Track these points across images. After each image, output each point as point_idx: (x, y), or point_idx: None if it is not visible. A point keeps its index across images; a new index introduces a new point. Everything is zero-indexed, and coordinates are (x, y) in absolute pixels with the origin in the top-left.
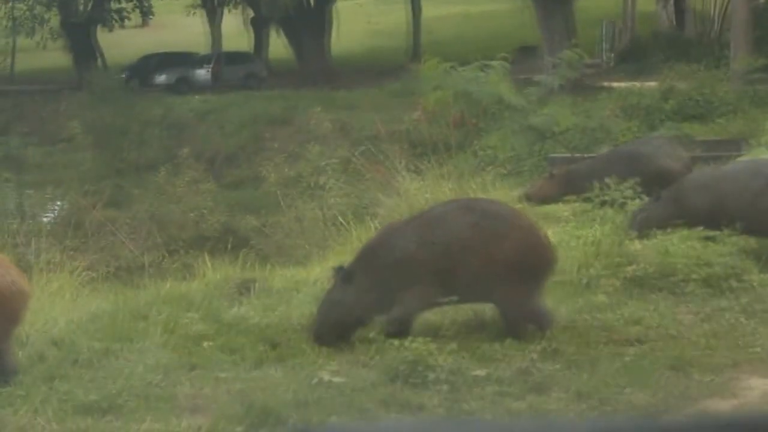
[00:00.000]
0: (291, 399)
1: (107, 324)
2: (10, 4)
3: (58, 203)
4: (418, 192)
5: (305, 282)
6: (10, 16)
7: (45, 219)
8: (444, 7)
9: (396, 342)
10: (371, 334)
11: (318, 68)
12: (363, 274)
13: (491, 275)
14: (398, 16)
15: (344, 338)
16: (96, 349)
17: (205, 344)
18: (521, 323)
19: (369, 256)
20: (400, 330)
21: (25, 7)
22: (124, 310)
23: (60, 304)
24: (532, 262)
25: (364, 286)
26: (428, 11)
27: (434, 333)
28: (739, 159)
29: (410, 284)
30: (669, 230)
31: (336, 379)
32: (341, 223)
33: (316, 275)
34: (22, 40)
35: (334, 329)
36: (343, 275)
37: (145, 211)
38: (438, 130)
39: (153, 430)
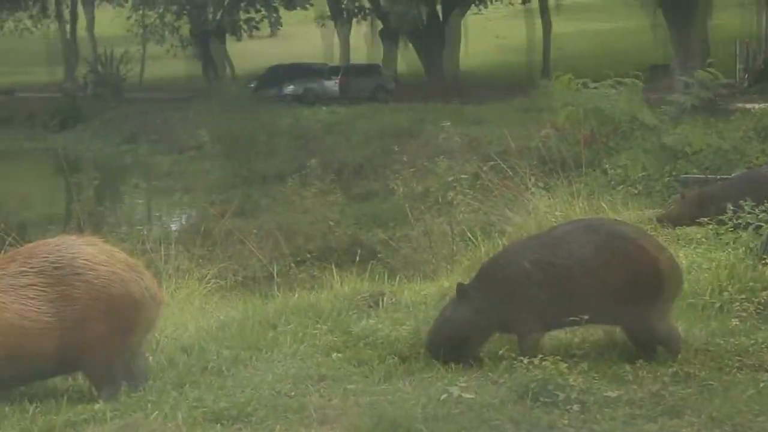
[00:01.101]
0: (420, 413)
1: (237, 332)
2: (141, 12)
3: (187, 211)
4: (547, 210)
5: (433, 296)
6: (141, 24)
7: (173, 226)
8: (574, 23)
9: (526, 360)
10: (501, 351)
11: (446, 82)
12: (479, 291)
13: (616, 298)
14: (526, 32)
15: (462, 355)
16: (226, 357)
17: (334, 356)
18: (650, 346)
19: (486, 273)
20: (533, 350)
21: (155, 15)
22: (253, 319)
23: (189, 311)
24: (660, 285)
25: (479, 304)
26: (558, 27)
27: (564, 352)
28: None
29: (526, 304)
30: None
31: (466, 395)
32: (469, 239)
33: (444, 290)
34: (152, 48)
35: (446, 345)
36: (460, 292)
37: (273, 221)
38: (568, 147)
39: None
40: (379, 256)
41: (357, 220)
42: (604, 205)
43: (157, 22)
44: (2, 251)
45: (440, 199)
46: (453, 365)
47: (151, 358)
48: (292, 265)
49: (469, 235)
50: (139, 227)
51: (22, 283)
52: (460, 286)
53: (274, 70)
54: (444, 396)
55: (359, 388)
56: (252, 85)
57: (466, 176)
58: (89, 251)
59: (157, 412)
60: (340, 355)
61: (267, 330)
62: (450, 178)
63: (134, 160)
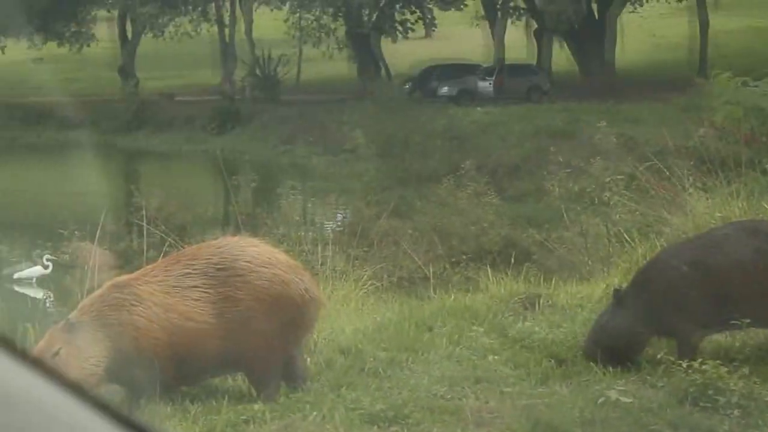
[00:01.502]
0: (577, 417)
1: (393, 334)
2: (298, 14)
3: (343, 212)
4: (706, 211)
5: (590, 298)
6: (298, 26)
7: (330, 227)
8: (732, 20)
9: (685, 364)
10: (659, 355)
11: (601, 81)
12: (636, 296)
13: None
14: (683, 30)
15: (621, 360)
16: (382, 359)
17: (491, 358)
18: None
19: (643, 277)
20: (691, 353)
21: (312, 18)
22: (409, 321)
23: (346, 313)
24: None
25: (636, 309)
26: (716, 24)
27: (724, 356)
28: None
29: (685, 308)
30: None
31: (623, 399)
32: (626, 240)
33: (601, 292)
34: (308, 50)
35: (604, 350)
36: (616, 297)
37: (428, 222)
38: (727, 146)
39: None
40: (534, 257)
41: (512, 221)
42: (765, 206)
43: (313, 24)
44: (163, 253)
45: (596, 200)
46: (611, 368)
47: (309, 359)
48: (447, 266)
49: (626, 236)
50: (296, 228)
51: (186, 284)
52: (616, 291)
53: (429, 70)
54: (601, 399)
55: (516, 391)
56: (407, 86)
57: (622, 176)
58: (251, 253)
59: (315, 413)
60: (496, 357)
61: (423, 332)
62: (606, 179)
63: (291, 162)
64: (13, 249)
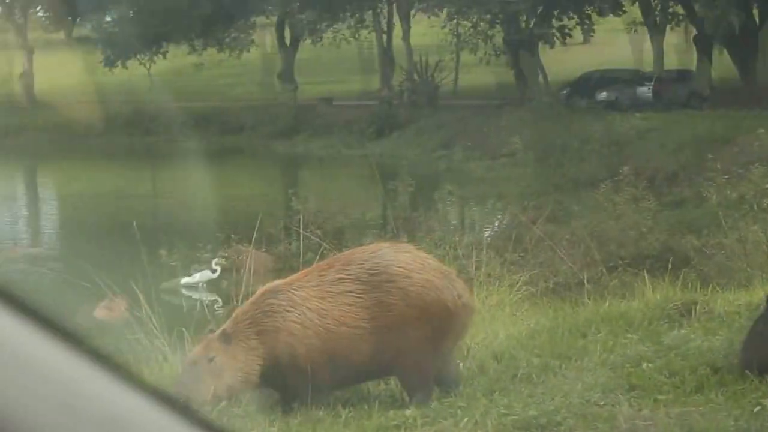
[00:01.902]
0: (732, 426)
1: (546, 340)
2: (455, 20)
3: (499, 217)
4: None
5: (748, 306)
6: (455, 33)
7: (486, 232)
8: None
9: None
10: None
11: (763, 88)
12: None
13: None
14: None
15: None
16: (535, 365)
17: (645, 365)
18: None
19: None
20: None
21: (469, 25)
22: (563, 327)
23: (500, 318)
24: None
25: None
26: None
27: None
28: None
29: None
30: None
31: None
32: None
33: (759, 300)
34: (465, 56)
35: (761, 359)
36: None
37: (584, 228)
38: None
39: None
40: (692, 263)
41: (670, 226)
42: None
43: (470, 31)
44: (318, 257)
45: (755, 207)
46: (767, 377)
47: (461, 364)
48: (604, 271)
49: None
50: (452, 233)
51: (340, 290)
52: None
53: (587, 76)
54: (757, 409)
55: (670, 399)
56: (564, 92)
57: None
58: (404, 259)
59: (467, 419)
60: (650, 365)
61: (577, 338)
62: (766, 185)
63: (448, 167)
64: (173, 253)
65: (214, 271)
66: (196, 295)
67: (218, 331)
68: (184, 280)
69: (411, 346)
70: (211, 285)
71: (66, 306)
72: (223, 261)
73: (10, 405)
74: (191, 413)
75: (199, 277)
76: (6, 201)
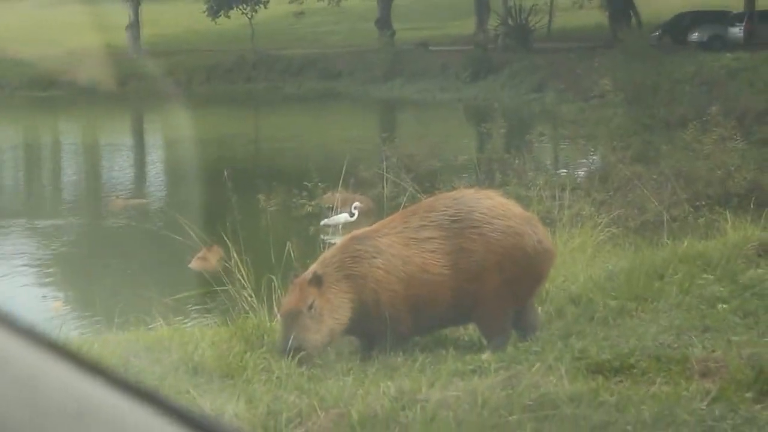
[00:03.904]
0: None
1: (624, 282)
2: None
3: (589, 158)
4: None
5: None
6: None
7: (576, 173)
8: None
9: None
10: None
11: None
12: None
13: None
14: None
15: None
16: (612, 307)
17: (720, 306)
18: None
19: None
20: None
21: None
22: (641, 269)
23: (581, 261)
24: None
25: None
26: None
27: None
28: None
29: None
30: None
31: None
32: None
33: None
34: (559, 0)
35: None
36: None
37: (671, 168)
38: None
39: (662, 393)
40: None
41: (757, 165)
42: None
43: None
44: (407, 201)
45: None
46: None
47: (540, 308)
48: (690, 210)
49: None
50: (542, 175)
51: (423, 236)
52: None
53: (679, 18)
54: None
55: (743, 340)
56: (656, 34)
57: None
58: (486, 205)
59: (540, 363)
60: (725, 305)
61: (654, 279)
62: None
63: (541, 109)
64: (271, 198)
65: (352, 215)
66: (334, 239)
67: (307, 274)
68: (323, 221)
69: (491, 292)
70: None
71: (164, 257)
72: (361, 204)
73: None
74: (161, 402)
75: (335, 219)
76: (112, 149)
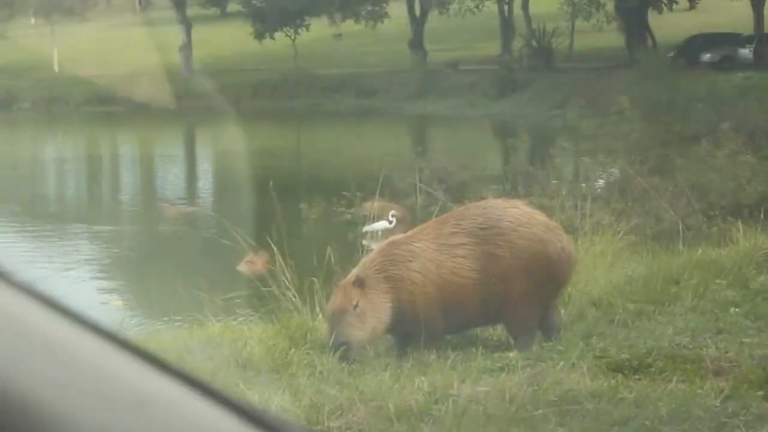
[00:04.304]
0: None
1: (642, 286)
2: None
3: (608, 170)
4: None
5: None
6: (571, 2)
7: (595, 184)
8: None
9: None
10: None
11: None
12: None
13: None
14: None
15: None
16: (630, 310)
17: (732, 310)
18: None
19: None
20: None
21: None
22: (658, 274)
23: (601, 266)
24: None
25: None
26: None
27: None
28: None
29: None
30: None
31: None
32: None
33: None
34: (579, 23)
35: None
36: None
37: (686, 180)
38: None
39: (678, 390)
40: None
41: (767, 178)
42: None
43: (584, 0)
44: (437, 212)
45: None
46: None
47: (563, 311)
48: (703, 220)
49: None
50: (564, 186)
51: (454, 242)
52: None
53: (693, 39)
54: None
55: (754, 342)
56: (671, 55)
57: None
58: (512, 214)
59: (563, 361)
60: (737, 309)
61: (670, 285)
62: None
63: (562, 125)
64: (313, 207)
65: (390, 222)
66: (373, 244)
67: (350, 277)
68: (365, 228)
69: (517, 294)
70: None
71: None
72: (397, 213)
73: (40, 391)
74: (216, 394)
75: (377, 226)
76: (166, 160)
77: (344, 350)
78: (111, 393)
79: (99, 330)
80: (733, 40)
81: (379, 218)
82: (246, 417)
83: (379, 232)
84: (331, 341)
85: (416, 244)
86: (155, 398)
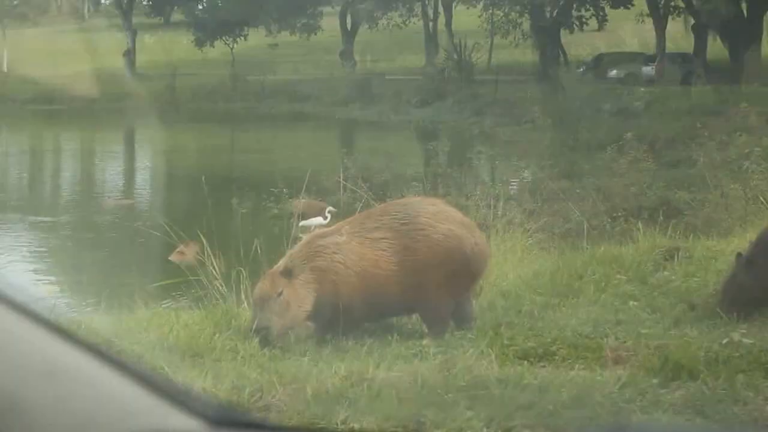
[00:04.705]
0: (702, 356)
1: (548, 280)
2: (490, 11)
3: (521, 173)
4: None
5: (723, 252)
6: (490, 21)
7: (508, 186)
8: None
9: None
10: None
11: (750, 69)
12: (760, 258)
13: None
14: None
15: (750, 311)
16: (537, 302)
17: (631, 303)
18: None
19: (763, 241)
20: None
21: (501, 14)
22: (563, 269)
23: (511, 261)
24: None
25: (760, 270)
26: None
27: None
28: None
29: None
30: None
31: (746, 340)
32: (762, 202)
33: (734, 247)
34: (498, 40)
35: (734, 306)
36: (742, 261)
37: (592, 184)
38: None
39: (579, 377)
40: (682, 215)
41: (666, 183)
42: None
43: (503, 19)
44: (363, 207)
45: (737, 168)
46: (736, 315)
47: (475, 301)
48: (608, 220)
49: (762, 199)
50: (480, 187)
51: (376, 236)
52: (738, 256)
53: (600, 57)
54: (725, 340)
55: (651, 333)
56: (581, 70)
57: (759, 149)
58: (430, 211)
59: (473, 349)
60: (636, 303)
61: (575, 279)
62: (746, 150)
63: (480, 131)
64: (243, 201)
65: (325, 218)
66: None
67: (279, 268)
68: (301, 223)
69: (432, 286)
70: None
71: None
72: (333, 209)
73: None
74: (126, 366)
75: (311, 222)
76: (106, 156)
77: (265, 335)
78: (20, 362)
79: (9, 303)
80: (638, 58)
81: (305, 214)
82: (154, 388)
83: (314, 227)
84: (254, 326)
85: (340, 237)
86: (66, 369)
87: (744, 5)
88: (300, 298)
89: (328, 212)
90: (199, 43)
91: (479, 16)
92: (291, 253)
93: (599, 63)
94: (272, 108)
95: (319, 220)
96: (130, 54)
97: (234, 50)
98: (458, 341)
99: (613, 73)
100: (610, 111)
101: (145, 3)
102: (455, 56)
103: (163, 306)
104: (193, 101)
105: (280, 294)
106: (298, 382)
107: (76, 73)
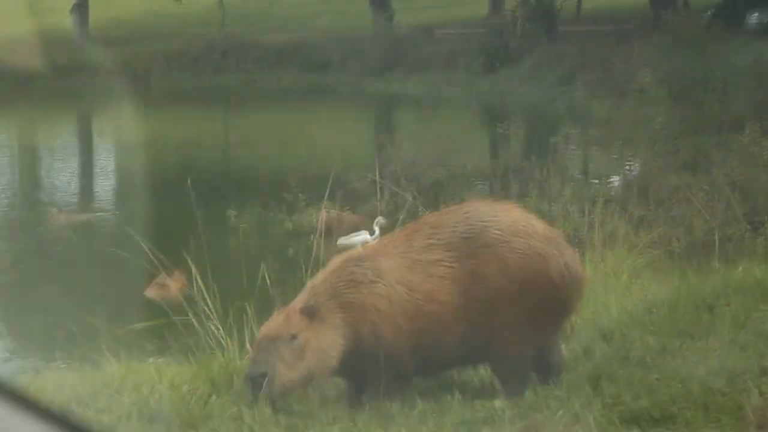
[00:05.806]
0: None
1: (666, 315)
2: None
3: (626, 165)
4: None
5: None
6: None
7: (608, 184)
8: None
9: None
10: None
11: None
12: None
13: None
14: None
15: None
16: (650, 346)
17: None
18: None
19: None
20: None
21: None
22: (686, 299)
23: (614, 289)
24: None
25: None
26: None
27: None
28: None
29: None
30: None
31: None
32: None
33: None
34: None
35: None
36: None
37: (725, 177)
38: None
39: None
40: None
41: None
42: None
43: None
44: (406, 217)
45: None
46: None
47: (564, 346)
48: (747, 228)
49: None
50: (569, 186)
51: (429, 258)
52: None
53: None
54: None
55: None
56: (708, 14)
57: None
58: (503, 220)
59: (564, 410)
60: None
61: (702, 313)
62: None
63: (568, 106)
64: (244, 212)
65: (372, 233)
66: None
67: (297, 304)
68: (341, 240)
69: (508, 325)
70: None
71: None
72: (384, 221)
73: None
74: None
75: (355, 239)
76: (53, 154)
77: (261, 385)
78: None
79: None
80: None
81: (333, 229)
82: None
83: (359, 247)
84: (247, 371)
85: (382, 261)
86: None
87: None
88: (323, 345)
89: (377, 224)
90: None
91: None
92: (313, 283)
93: (733, 5)
94: (279, 80)
95: (364, 236)
96: (80, 9)
97: (224, 1)
98: (543, 401)
99: (754, 19)
100: (751, 74)
101: None
102: (531, 0)
103: (140, 359)
104: (170, 74)
105: (294, 337)
106: None
107: (8, 38)
